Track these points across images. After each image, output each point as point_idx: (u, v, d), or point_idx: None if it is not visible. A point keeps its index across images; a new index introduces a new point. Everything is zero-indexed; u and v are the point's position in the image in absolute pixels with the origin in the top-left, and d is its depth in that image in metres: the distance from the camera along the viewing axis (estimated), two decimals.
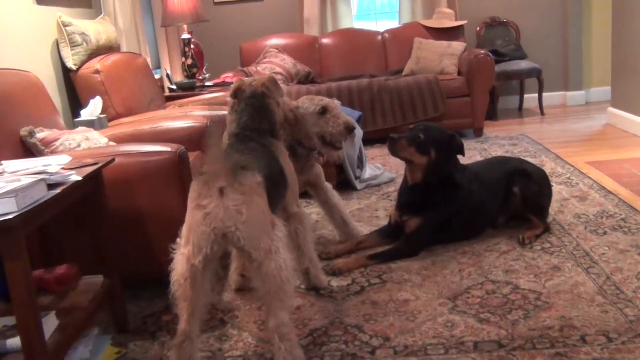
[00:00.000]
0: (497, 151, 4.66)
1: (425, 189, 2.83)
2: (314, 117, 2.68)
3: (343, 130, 2.68)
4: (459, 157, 2.88)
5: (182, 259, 1.90)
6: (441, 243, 2.89)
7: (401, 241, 2.87)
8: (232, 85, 2.37)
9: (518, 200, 2.96)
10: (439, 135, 2.79)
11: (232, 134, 2.29)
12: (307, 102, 2.72)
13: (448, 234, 2.89)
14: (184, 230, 1.93)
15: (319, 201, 3.01)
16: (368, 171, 4.09)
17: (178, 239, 1.95)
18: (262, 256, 1.88)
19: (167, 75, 5.56)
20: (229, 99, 2.39)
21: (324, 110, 2.68)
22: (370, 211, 3.53)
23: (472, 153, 4.68)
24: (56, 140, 2.68)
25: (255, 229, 1.88)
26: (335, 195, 2.99)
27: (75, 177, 1.92)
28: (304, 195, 3.09)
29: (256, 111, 2.31)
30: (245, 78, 2.40)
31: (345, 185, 3.85)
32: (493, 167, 3.07)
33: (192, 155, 2.69)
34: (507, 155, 4.05)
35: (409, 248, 2.82)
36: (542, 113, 6.17)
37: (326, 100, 2.73)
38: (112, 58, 3.91)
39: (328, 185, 2.97)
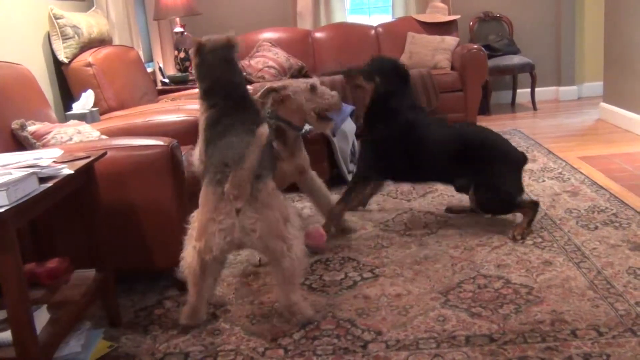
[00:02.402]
0: None
1: (372, 116, 3.04)
2: (307, 93, 2.76)
3: (338, 100, 2.78)
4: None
5: (193, 252, 2.12)
6: (391, 180, 3.24)
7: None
8: (192, 45, 2.43)
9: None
10: (383, 64, 3.10)
11: (205, 89, 2.38)
12: (294, 82, 2.82)
13: (393, 170, 3.07)
14: (197, 226, 2.10)
15: (306, 188, 3.02)
16: None
17: (189, 229, 2.17)
18: (278, 257, 2.08)
19: (160, 68, 5.53)
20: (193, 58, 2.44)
21: (313, 87, 2.77)
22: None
23: None
24: (48, 133, 2.67)
25: (269, 239, 2.06)
26: (320, 181, 3.04)
27: (67, 170, 1.91)
28: (295, 189, 3.09)
29: (226, 62, 2.40)
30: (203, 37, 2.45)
31: (338, 179, 3.85)
32: (450, 128, 3.05)
33: (184, 149, 2.68)
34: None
35: (357, 174, 3.13)
36: (535, 108, 6.18)
37: (310, 80, 2.84)
38: (104, 51, 3.89)
39: (313, 172, 3.01)
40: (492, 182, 2.89)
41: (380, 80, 3.01)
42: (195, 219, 2.14)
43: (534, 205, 2.93)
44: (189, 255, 2.15)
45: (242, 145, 2.07)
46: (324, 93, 2.78)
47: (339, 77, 5.22)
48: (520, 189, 2.95)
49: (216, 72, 2.38)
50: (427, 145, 2.96)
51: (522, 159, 2.99)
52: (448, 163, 2.94)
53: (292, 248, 2.08)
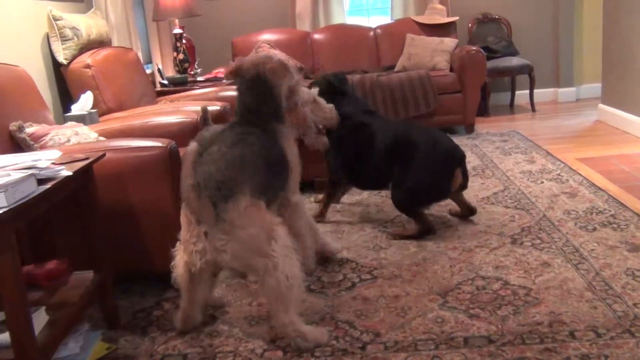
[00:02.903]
0: (488, 147, 4.68)
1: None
2: (311, 105, 2.68)
3: (335, 115, 2.76)
4: None
5: (181, 262, 2.13)
6: (353, 184, 3.33)
7: None
8: (232, 65, 2.32)
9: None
10: (322, 79, 3.29)
11: (236, 114, 2.32)
12: (303, 91, 2.66)
13: (345, 171, 3.20)
14: (182, 239, 2.10)
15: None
16: None
17: (178, 242, 2.16)
18: (261, 275, 2.00)
19: (159, 70, 5.53)
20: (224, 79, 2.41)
21: (314, 99, 2.71)
22: (362, 206, 3.54)
23: (464, 149, 4.68)
24: (46, 135, 2.67)
25: (245, 257, 2.01)
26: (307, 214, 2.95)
27: (65, 172, 1.91)
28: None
29: (259, 94, 2.28)
30: (247, 57, 2.37)
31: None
32: (389, 129, 3.10)
33: (182, 151, 2.68)
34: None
35: (328, 180, 3.34)
36: (533, 109, 6.19)
37: (312, 90, 2.76)
38: (103, 53, 3.88)
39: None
40: (405, 180, 2.94)
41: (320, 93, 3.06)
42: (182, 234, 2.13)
43: (428, 227, 2.96)
44: (179, 265, 2.15)
45: (216, 157, 2.03)
46: (324, 107, 2.73)
47: (415, 73, 5.25)
48: (441, 191, 2.99)
49: (246, 99, 2.30)
50: (370, 147, 3.05)
51: (452, 159, 2.98)
52: (383, 164, 3.02)
53: (277, 266, 1.97)
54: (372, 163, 3.06)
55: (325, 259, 2.76)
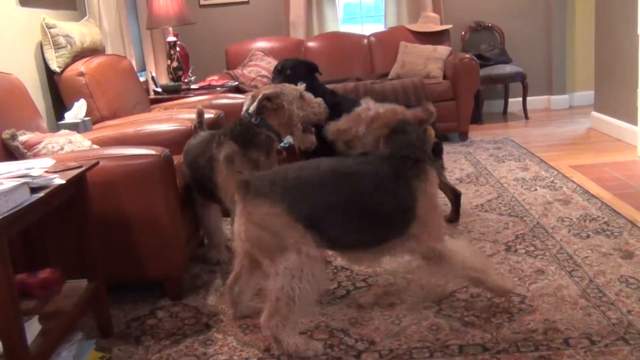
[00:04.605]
0: (481, 154, 4.69)
1: None
2: (298, 102, 2.61)
3: (324, 109, 2.65)
4: None
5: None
6: None
7: None
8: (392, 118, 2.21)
9: None
10: (290, 60, 3.35)
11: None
12: (287, 89, 2.63)
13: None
14: None
15: None
16: None
17: None
18: (266, 270, 2.06)
19: (153, 78, 5.53)
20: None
21: (301, 95, 2.63)
22: None
23: (458, 157, 4.71)
24: (39, 143, 2.66)
25: (256, 252, 2.08)
26: None
27: (58, 180, 1.90)
28: None
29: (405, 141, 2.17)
30: (401, 110, 2.23)
31: None
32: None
33: (176, 159, 2.68)
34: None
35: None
36: (527, 117, 6.21)
37: (299, 87, 2.67)
38: (97, 60, 3.88)
39: None
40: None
41: (291, 72, 3.21)
42: None
43: None
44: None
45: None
46: (310, 101, 2.64)
47: (408, 81, 5.25)
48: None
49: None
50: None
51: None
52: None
53: (278, 276, 1.99)
54: None
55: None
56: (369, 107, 2.26)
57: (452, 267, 2.15)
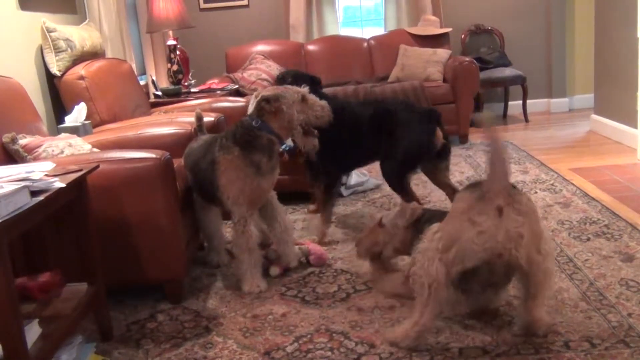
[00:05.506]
0: (482, 157, 4.69)
1: None
2: (299, 105, 2.61)
3: (328, 112, 2.65)
4: None
5: (440, 264, 1.92)
6: (340, 169, 3.30)
7: None
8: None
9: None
10: (292, 71, 3.50)
11: None
12: (287, 92, 2.62)
13: (334, 158, 3.18)
14: (445, 235, 1.93)
15: (267, 203, 2.83)
16: (354, 178, 4.10)
17: (436, 243, 1.95)
18: (540, 278, 1.95)
19: (153, 81, 5.53)
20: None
21: (303, 98, 2.62)
22: (357, 217, 3.54)
23: (458, 160, 4.71)
24: (39, 146, 2.66)
25: (532, 249, 1.89)
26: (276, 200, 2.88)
27: (59, 184, 1.90)
28: (290, 200, 3.09)
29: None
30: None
31: None
32: (365, 105, 3.26)
33: (176, 162, 2.68)
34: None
35: (317, 175, 3.34)
36: (527, 120, 6.22)
37: (301, 89, 2.67)
38: (97, 64, 3.88)
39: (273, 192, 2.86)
40: (393, 147, 3.04)
41: (292, 81, 3.18)
42: (441, 229, 1.98)
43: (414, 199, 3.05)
44: (433, 266, 1.95)
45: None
46: (314, 104, 2.63)
47: (408, 84, 5.26)
48: (428, 147, 3.04)
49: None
50: (353, 123, 3.11)
51: (429, 118, 3.07)
52: (368, 136, 3.10)
53: (545, 260, 1.93)
54: (357, 141, 3.13)
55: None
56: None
57: None
